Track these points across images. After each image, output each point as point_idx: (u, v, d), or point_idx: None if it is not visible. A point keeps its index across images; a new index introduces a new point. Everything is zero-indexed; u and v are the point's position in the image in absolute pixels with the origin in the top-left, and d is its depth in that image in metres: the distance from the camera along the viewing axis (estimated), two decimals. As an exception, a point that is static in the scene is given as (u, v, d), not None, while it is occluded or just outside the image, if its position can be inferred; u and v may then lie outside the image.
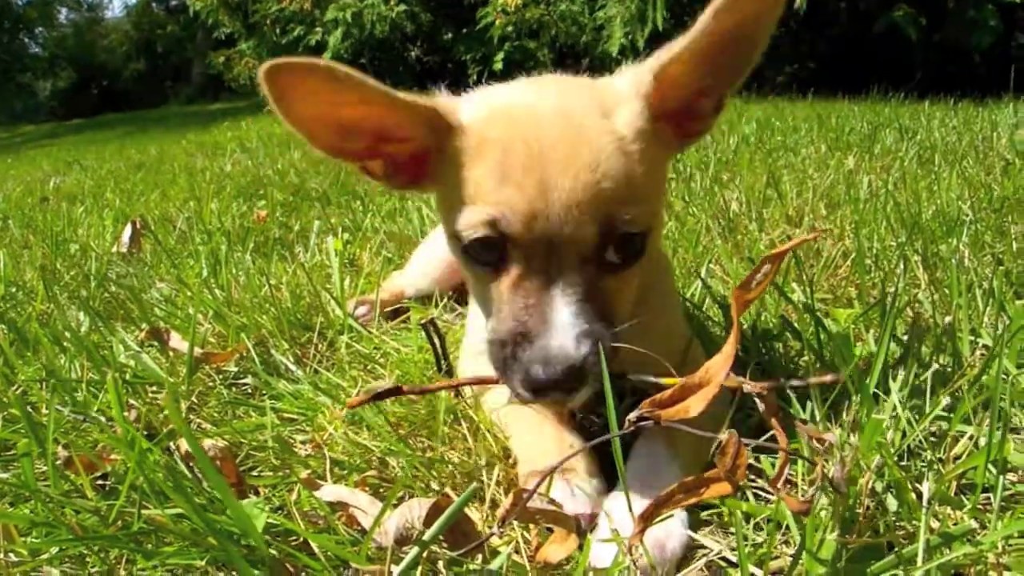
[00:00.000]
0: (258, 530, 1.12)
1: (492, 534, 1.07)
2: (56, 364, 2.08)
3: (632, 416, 1.13)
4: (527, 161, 1.29)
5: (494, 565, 1.06)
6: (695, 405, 1.10)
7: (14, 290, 3.06)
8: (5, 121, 36.78)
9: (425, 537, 1.01)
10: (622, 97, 1.40)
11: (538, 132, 1.32)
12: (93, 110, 36.15)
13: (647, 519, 1.03)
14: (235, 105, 21.72)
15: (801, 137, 5.70)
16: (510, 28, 11.64)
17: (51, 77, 50.03)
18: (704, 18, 1.28)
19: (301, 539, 1.25)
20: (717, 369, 1.11)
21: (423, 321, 1.85)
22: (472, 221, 1.33)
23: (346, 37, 13.08)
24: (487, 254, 1.36)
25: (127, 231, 3.89)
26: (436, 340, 1.85)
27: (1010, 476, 1.33)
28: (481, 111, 1.42)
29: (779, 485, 1.02)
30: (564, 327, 1.27)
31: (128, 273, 3.14)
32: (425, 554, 1.09)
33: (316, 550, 1.19)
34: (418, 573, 1.11)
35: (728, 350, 1.11)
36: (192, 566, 1.19)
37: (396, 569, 1.01)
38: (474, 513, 1.34)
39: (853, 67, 9.81)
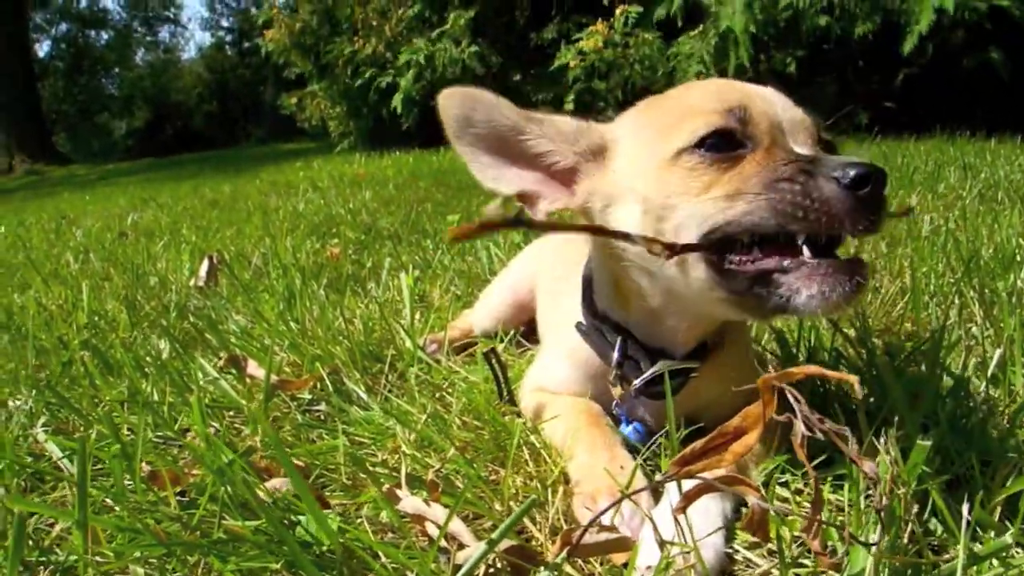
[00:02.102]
0: (332, 528, 1.20)
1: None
2: (139, 387, 2.19)
3: (658, 477, 1.15)
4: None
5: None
6: (728, 458, 1.09)
7: (96, 319, 3.20)
8: (82, 159, 37.73)
9: (489, 543, 1.07)
10: None
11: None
12: (167, 150, 36.92)
13: (690, 499, 1.07)
14: (306, 146, 22.09)
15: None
16: (580, 70, 11.72)
17: (127, 117, 51.36)
18: None
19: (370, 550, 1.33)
20: (755, 419, 1.10)
21: (485, 351, 1.93)
22: (711, 114, 1.42)
23: (418, 79, 13.27)
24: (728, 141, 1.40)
25: (204, 266, 4.01)
26: (497, 369, 1.93)
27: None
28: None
29: (812, 539, 1.05)
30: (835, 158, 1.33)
31: (206, 306, 3.26)
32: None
33: (383, 558, 1.26)
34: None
35: (768, 408, 1.09)
36: (266, 568, 1.27)
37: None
38: (538, 533, 1.41)
39: (929, 108, 9.70)
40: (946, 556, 1.21)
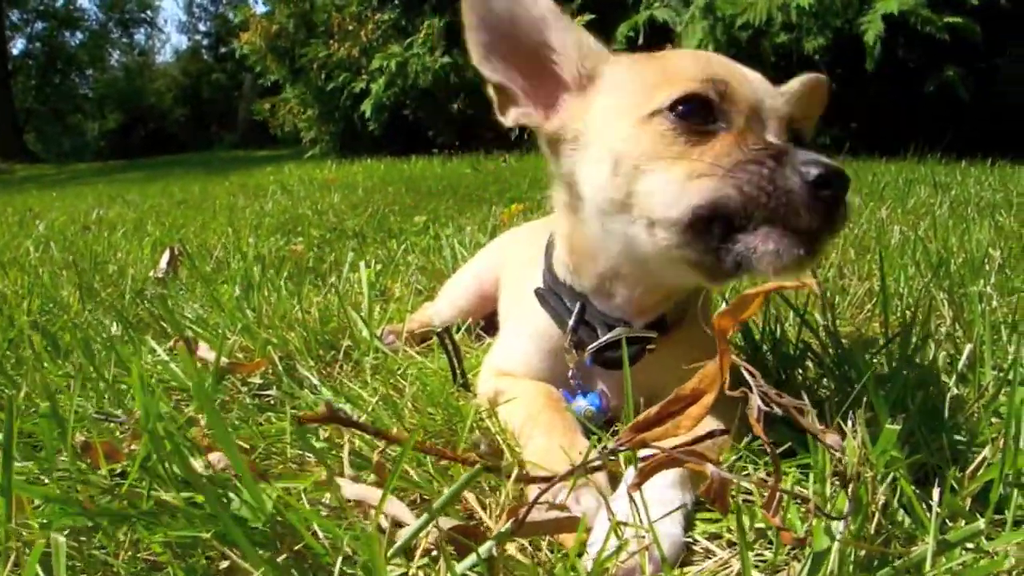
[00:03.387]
0: (266, 500, 1.13)
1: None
2: (85, 367, 2.12)
3: (611, 445, 1.11)
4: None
5: (482, 550, 1.04)
6: (686, 423, 1.05)
7: (51, 306, 3.11)
8: (53, 159, 37.43)
9: (428, 514, 1.01)
10: None
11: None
12: (139, 152, 36.73)
13: (646, 475, 1.01)
14: (279, 153, 21.99)
15: (837, 191, 5.67)
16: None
17: (99, 118, 51.02)
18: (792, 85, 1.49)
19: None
20: (711, 380, 1.05)
21: (439, 331, 1.88)
22: (679, 79, 1.43)
23: (389, 86, 13.23)
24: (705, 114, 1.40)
25: (165, 257, 3.94)
26: (451, 349, 1.87)
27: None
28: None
29: (772, 516, 0.99)
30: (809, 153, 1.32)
31: (163, 295, 3.18)
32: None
33: (320, 534, 1.19)
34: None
35: (723, 360, 1.04)
36: (198, 540, 1.20)
37: (391, 550, 1.01)
38: (488, 519, 1.35)
39: (896, 128, 9.76)
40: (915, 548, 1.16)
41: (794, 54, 9.86)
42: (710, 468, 0.95)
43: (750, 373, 1.01)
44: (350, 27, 14.22)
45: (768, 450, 1.02)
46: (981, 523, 1.12)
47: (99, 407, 1.87)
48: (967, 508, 1.25)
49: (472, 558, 0.97)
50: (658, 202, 1.39)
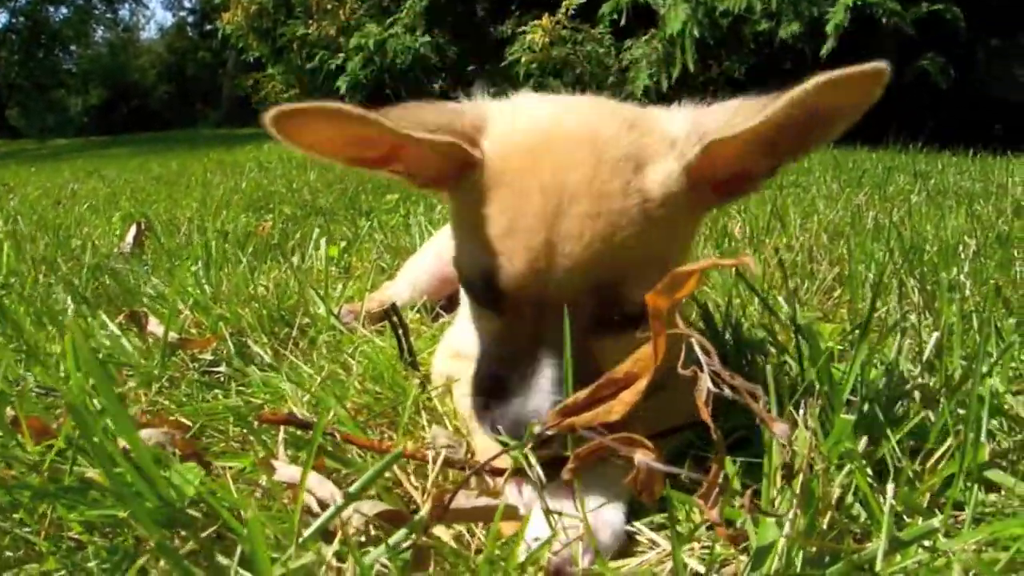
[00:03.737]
0: (187, 484, 1.08)
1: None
2: (34, 342, 2.06)
3: (537, 429, 1.06)
4: (539, 214, 1.20)
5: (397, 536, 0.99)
6: (619, 407, 0.99)
7: (12, 280, 3.05)
8: (36, 135, 37.12)
9: (347, 497, 0.95)
10: (662, 151, 1.28)
11: (558, 181, 1.21)
12: (123, 128, 36.44)
13: (582, 459, 0.96)
14: (262, 131, 21.80)
15: (816, 178, 5.65)
16: (534, 66, 11.64)
17: (83, 94, 50.60)
18: (776, 106, 1.14)
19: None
20: (645, 363, 0.98)
21: (386, 308, 1.82)
22: (471, 264, 1.29)
23: (367, 64, 13.14)
24: (483, 294, 1.30)
25: (131, 232, 3.89)
26: (398, 326, 1.82)
27: (991, 496, 1.26)
28: (504, 144, 1.30)
29: (709, 508, 0.93)
30: (542, 392, 1.18)
31: (125, 270, 3.12)
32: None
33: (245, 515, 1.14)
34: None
35: (659, 341, 0.99)
36: (119, 520, 1.14)
37: (306, 532, 0.95)
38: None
39: (877, 117, 9.73)
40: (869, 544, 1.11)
41: (775, 41, 9.81)
42: (637, 457, 0.89)
43: (704, 350, 0.95)
44: (328, 6, 14.12)
45: (714, 436, 0.97)
46: (935, 521, 1.07)
47: (42, 382, 1.80)
48: (925, 504, 1.20)
49: (382, 548, 0.91)
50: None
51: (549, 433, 1.02)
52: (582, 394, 0.97)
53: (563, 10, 11.45)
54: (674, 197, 1.25)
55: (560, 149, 1.25)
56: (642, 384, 0.94)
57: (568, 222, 1.19)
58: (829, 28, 9.19)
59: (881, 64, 1.11)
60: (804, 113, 1.16)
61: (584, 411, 0.97)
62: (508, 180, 1.25)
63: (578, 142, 1.26)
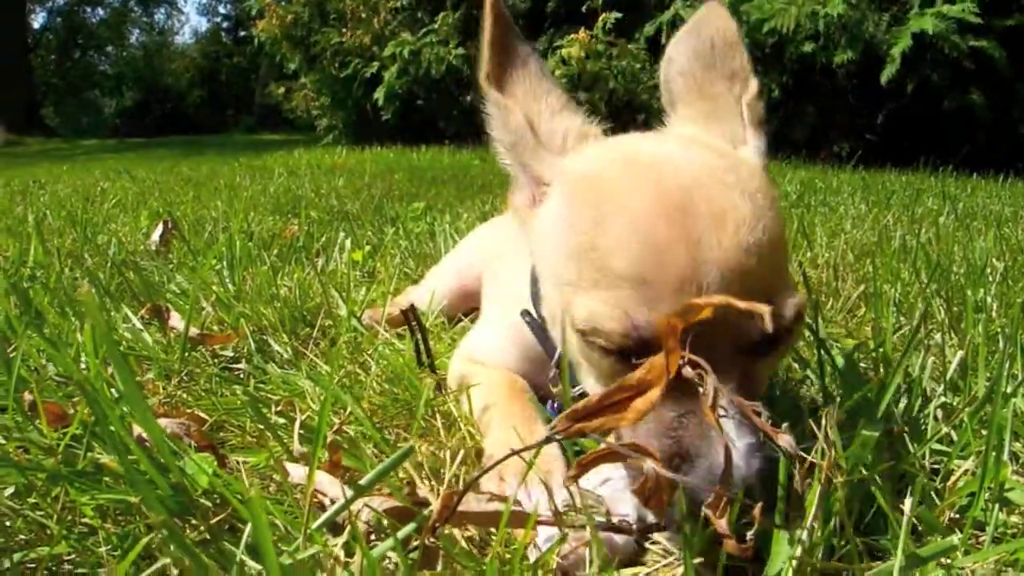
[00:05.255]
0: (175, 467, 1.08)
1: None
2: (55, 332, 2.07)
3: (544, 433, 1.03)
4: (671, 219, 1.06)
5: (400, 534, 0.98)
6: (630, 415, 0.92)
7: (39, 273, 3.07)
8: (69, 135, 37.46)
9: (356, 490, 0.95)
10: (754, 165, 1.25)
11: (681, 183, 1.10)
12: (155, 131, 36.65)
13: (585, 467, 0.94)
14: (293, 138, 21.95)
15: (844, 198, 5.62)
16: (566, 80, 11.63)
17: (117, 96, 51.02)
18: None
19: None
20: (659, 371, 0.91)
21: (404, 308, 1.82)
22: (598, 319, 1.08)
23: (402, 74, 13.19)
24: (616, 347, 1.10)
25: (158, 229, 3.91)
26: (415, 326, 1.82)
27: (1014, 518, 1.24)
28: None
29: (718, 518, 0.90)
30: (732, 443, 1.00)
31: (151, 267, 3.14)
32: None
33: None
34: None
35: (672, 358, 0.91)
36: (131, 507, 1.15)
37: (315, 523, 0.94)
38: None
39: (912, 142, 9.68)
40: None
41: (817, 64, 9.76)
42: (647, 464, 0.88)
43: (704, 369, 0.92)
44: (363, 15, 14.19)
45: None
46: (954, 539, 1.05)
47: (64, 371, 1.81)
48: (944, 523, 1.18)
49: (390, 541, 0.91)
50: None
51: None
52: (592, 399, 0.92)
53: (600, 24, 11.44)
54: (776, 205, 1.16)
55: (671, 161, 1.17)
56: (655, 394, 0.90)
57: (706, 222, 1.05)
58: (894, 52, 9.07)
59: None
60: None
61: (593, 417, 0.92)
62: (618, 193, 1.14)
63: (685, 154, 1.19)
